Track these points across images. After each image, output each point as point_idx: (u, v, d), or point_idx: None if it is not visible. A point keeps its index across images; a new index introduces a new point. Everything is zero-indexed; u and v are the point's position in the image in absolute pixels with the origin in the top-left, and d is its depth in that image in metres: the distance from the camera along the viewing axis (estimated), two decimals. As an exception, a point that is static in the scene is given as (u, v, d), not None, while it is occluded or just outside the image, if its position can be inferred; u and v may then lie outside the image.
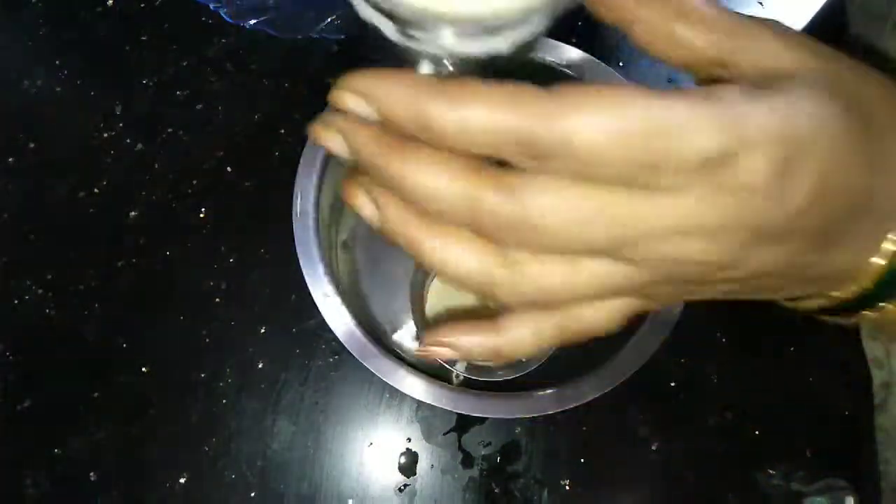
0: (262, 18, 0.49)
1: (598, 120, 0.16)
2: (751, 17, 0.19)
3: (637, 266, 0.18)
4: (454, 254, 0.19)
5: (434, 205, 0.18)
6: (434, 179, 0.17)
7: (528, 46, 0.18)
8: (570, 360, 0.46)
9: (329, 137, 0.19)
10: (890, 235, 0.19)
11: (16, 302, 0.46)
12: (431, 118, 0.17)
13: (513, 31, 0.17)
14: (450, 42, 0.17)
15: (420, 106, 0.17)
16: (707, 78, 0.19)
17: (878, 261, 0.19)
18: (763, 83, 0.17)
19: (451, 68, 0.19)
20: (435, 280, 0.45)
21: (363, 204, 0.20)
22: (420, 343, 0.23)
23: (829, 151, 0.17)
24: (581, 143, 0.16)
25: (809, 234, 0.18)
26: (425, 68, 0.18)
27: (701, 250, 0.17)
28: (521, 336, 0.21)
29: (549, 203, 0.17)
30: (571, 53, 0.43)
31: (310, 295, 0.39)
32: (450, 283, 0.19)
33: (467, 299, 0.44)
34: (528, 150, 0.16)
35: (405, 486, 0.44)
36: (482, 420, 0.45)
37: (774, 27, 0.19)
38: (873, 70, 0.19)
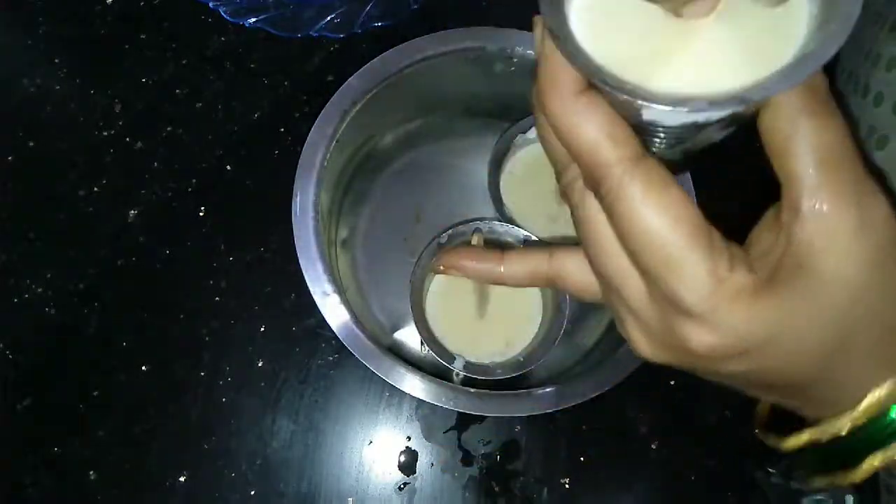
0: (261, 17, 0.49)
1: (642, 211, 0.19)
2: (859, 190, 0.19)
3: (609, 304, 0.24)
4: None
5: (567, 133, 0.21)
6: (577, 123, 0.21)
7: (739, 117, 0.19)
8: (570, 359, 0.46)
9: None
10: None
11: (15, 301, 0.46)
12: (549, 105, 0.20)
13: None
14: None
15: (554, 90, 0.20)
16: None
17: (804, 435, 0.24)
18: (787, 279, 0.20)
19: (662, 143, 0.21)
20: (435, 280, 0.45)
21: None
22: (436, 262, 0.30)
23: (804, 369, 0.21)
24: (618, 211, 0.20)
25: (737, 383, 0.23)
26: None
27: (640, 344, 0.22)
28: (517, 271, 0.27)
29: (598, 215, 0.21)
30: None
31: (309, 294, 0.39)
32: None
33: (467, 299, 0.44)
34: (591, 175, 0.20)
35: (405, 484, 0.44)
36: (482, 418, 0.45)
37: (868, 218, 0.19)
38: None
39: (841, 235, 0.18)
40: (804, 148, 0.19)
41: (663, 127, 0.19)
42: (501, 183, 0.46)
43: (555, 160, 0.22)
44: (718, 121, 0.19)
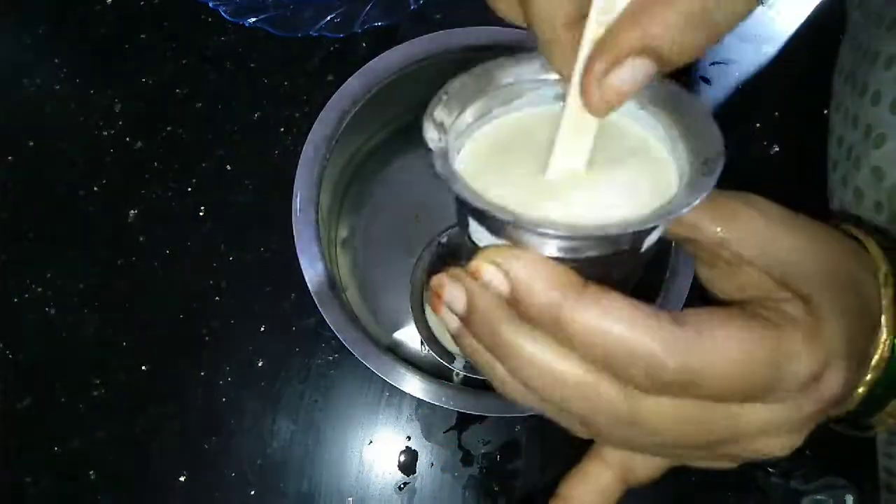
0: (261, 17, 0.49)
1: (729, 362, 0.18)
2: (736, 198, 0.21)
3: (711, 458, 0.21)
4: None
5: (544, 385, 0.19)
6: (555, 360, 0.18)
7: (653, 247, 0.20)
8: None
9: (454, 289, 0.19)
10: (869, 377, 0.24)
11: (15, 301, 0.46)
12: (568, 321, 0.17)
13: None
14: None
15: (559, 303, 0.17)
16: (708, 254, 0.22)
17: (861, 390, 0.24)
18: (803, 290, 0.20)
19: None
20: (435, 278, 0.45)
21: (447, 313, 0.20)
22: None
23: (856, 354, 0.21)
24: (710, 381, 0.18)
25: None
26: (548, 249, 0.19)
27: (779, 447, 0.20)
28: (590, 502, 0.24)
29: (665, 409, 0.19)
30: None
31: (309, 293, 0.39)
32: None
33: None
34: (653, 377, 0.17)
35: (405, 484, 0.44)
36: (482, 418, 0.45)
37: (761, 211, 0.21)
38: (833, 230, 0.23)
39: (762, 222, 0.21)
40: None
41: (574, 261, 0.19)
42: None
43: (558, 389, 0.18)
44: (614, 253, 0.19)
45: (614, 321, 0.17)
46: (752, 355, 0.18)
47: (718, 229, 0.21)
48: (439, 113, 0.20)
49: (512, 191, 0.19)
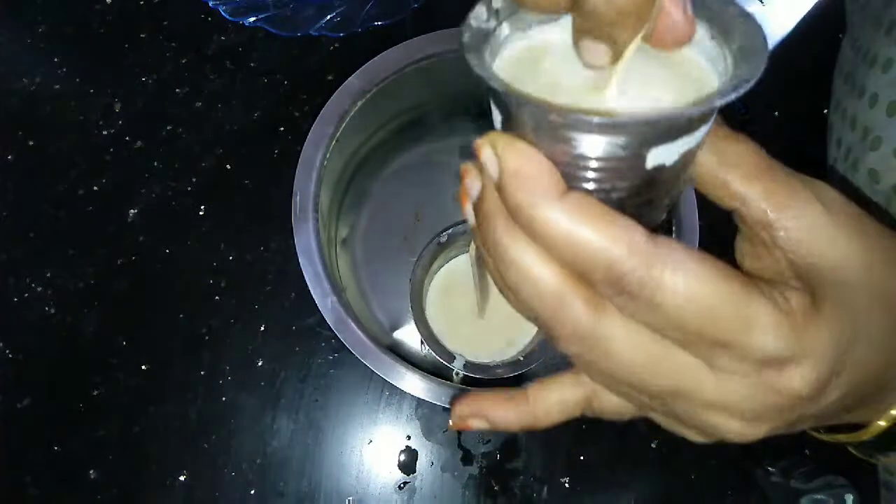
0: (261, 16, 0.49)
1: (690, 288, 0.17)
2: (801, 181, 0.20)
3: (669, 414, 0.21)
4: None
5: (522, 290, 0.19)
6: (534, 265, 0.18)
7: (691, 157, 0.19)
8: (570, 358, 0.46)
9: (474, 177, 0.20)
10: (893, 411, 0.23)
11: (15, 300, 0.46)
12: (542, 219, 0.17)
13: (677, 141, 0.18)
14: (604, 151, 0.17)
15: (537, 202, 0.17)
16: (748, 228, 0.20)
17: (881, 423, 0.23)
18: (818, 291, 0.19)
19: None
20: (435, 279, 0.45)
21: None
22: (452, 417, 0.25)
23: (863, 365, 0.20)
24: (664, 300, 0.17)
25: (829, 415, 0.21)
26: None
27: (735, 431, 0.20)
28: (549, 405, 0.23)
29: (622, 334, 0.18)
30: None
31: (309, 293, 0.39)
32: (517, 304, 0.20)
33: (466, 299, 0.44)
34: (616, 284, 0.17)
35: (405, 483, 0.44)
36: (482, 418, 0.45)
37: (827, 206, 0.20)
38: None
39: (819, 219, 0.19)
40: (737, 169, 0.19)
41: (609, 170, 0.18)
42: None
43: (531, 294, 0.18)
44: (672, 160, 0.18)
45: (586, 225, 0.17)
46: (724, 298, 0.17)
47: (766, 209, 0.19)
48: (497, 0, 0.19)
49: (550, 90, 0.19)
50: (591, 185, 0.18)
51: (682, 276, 0.17)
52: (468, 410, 0.24)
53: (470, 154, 0.19)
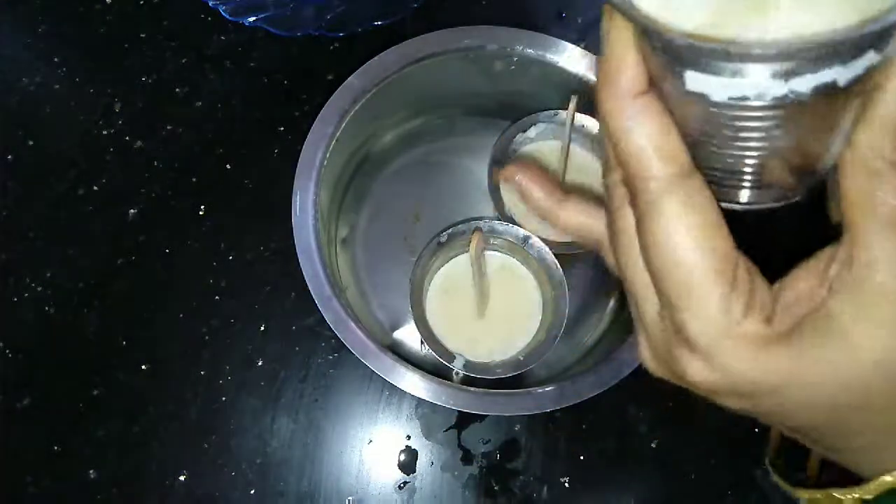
0: (261, 16, 0.49)
1: (672, 238, 0.19)
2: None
3: (641, 319, 0.22)
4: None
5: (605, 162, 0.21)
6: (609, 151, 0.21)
7: (869, 76, 0.16)
8: (569, 358, 0.46)
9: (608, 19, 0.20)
10: None
11: (15, 300, 0.46)
12: (604, 110, 0.19)
13: (846, 64, 0.16)
14: (765, 84, 0.16)
15: (610, 92, 0.19)
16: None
17: (887, 478, 0.22)
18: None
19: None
20: (435, 279, 0.45)
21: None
22: (502, 171, 0.28)
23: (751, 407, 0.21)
24: (649, 229, 0.19)
25: (795, 429, 0.22)
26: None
27: (643, 355, 0.23)
28: (572, 219, 0.25)
29: (628, 227, 0.21)
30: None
31: (309, 293, 0.39)
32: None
33: (467, 298, 0.44)
34: (631, 188, 0.20)
35: (405, 483, 0.44)
36: (482, 417, 0.45)
37: None
38: None
39: (886, 306, 0.18)
40: (880, 209, 0.18)
41: (736, 110, 0.17)
42: (502, 182, 0.46)
43: (605, 157, 0.21)
44: (815, 94, 0.16)
45: (639, 127, 0.19)
46: (692, 264, 0.18)
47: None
48: None
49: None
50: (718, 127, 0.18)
51: (675, 216, 0.18)
52: (518, 175, 0.26)
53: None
